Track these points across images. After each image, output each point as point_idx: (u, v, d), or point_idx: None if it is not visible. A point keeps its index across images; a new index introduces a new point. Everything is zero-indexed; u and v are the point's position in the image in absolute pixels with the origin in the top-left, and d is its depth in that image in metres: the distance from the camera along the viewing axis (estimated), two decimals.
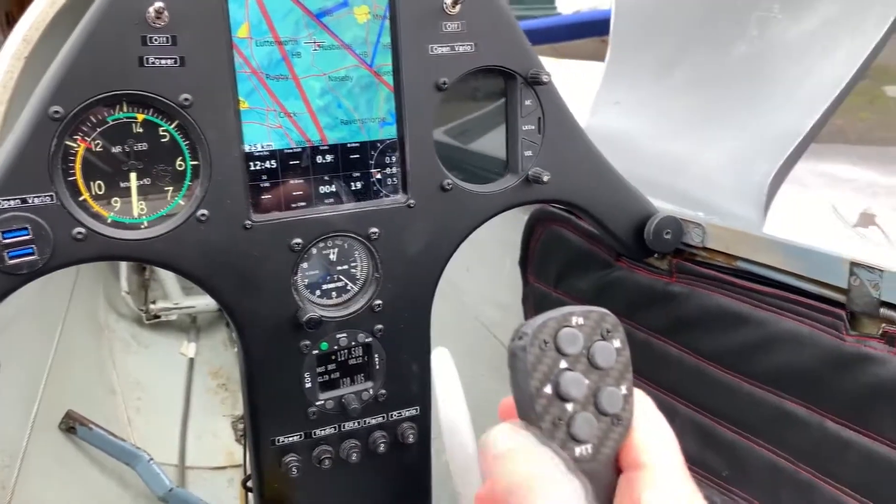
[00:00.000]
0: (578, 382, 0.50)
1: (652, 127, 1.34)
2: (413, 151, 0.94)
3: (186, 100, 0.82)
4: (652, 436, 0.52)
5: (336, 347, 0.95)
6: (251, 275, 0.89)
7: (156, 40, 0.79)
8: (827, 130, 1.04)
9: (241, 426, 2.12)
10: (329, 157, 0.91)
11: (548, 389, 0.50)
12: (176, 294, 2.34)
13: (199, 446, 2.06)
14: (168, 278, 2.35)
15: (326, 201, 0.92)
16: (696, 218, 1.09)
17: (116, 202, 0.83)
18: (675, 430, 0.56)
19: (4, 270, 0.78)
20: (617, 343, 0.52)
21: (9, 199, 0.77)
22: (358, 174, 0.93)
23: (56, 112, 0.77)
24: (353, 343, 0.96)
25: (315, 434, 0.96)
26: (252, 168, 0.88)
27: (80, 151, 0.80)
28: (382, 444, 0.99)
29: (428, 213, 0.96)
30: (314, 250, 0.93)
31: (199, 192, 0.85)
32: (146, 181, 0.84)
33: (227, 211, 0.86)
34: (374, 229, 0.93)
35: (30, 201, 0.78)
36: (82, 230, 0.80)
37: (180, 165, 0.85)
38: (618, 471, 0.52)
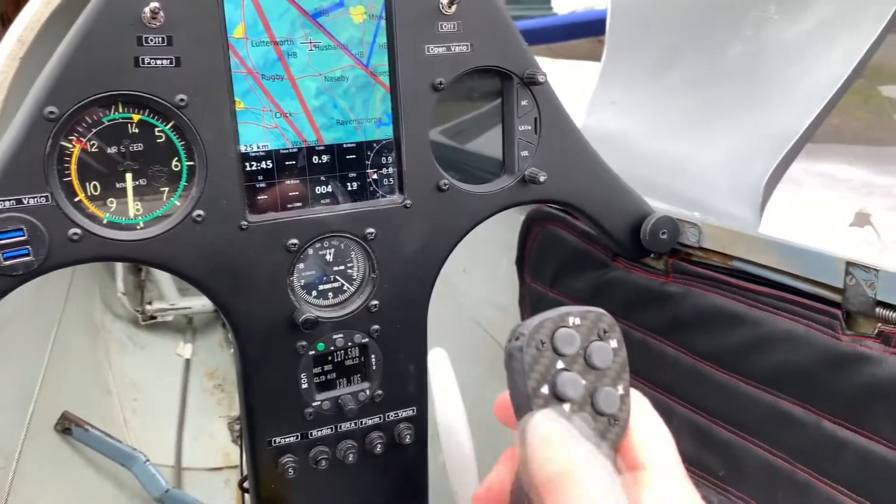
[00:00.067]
0: (575, 383, 0.50)
1: (648, 127, 1.34)
2: (409, 152, 0.94)
3: (182, 100, 0.81)
4: (649, 436, 0.52)
5: (332, 348, 0.95)
6: (247, 275, 0.89)
7: (151, 41, 0.79)
8: (822, 130, 1.04)
9: (237, 427, 2.11)
10: (325, 158, 0.91)
11: (545, 390, 0.50)
12: (172, 295, 2.34)
13: (196, 447, 2.06)
14: (164, 279, 2.34)
15: (323, 202, 0.92)
16: (693, 218, 1.09)
17: (112, 203, 0.83)
18: (671, 430, 0.56)
19: None
20: (614, 343, 0.52)
21: (4, 200, 0.77)
22: (354, 174, 0.93)
23: (51, 112, 0.77)
24: (350, 344, 0.96)
25: (312, 435, 0.96)
26: (248, 168, 0.87)
27: (76, 152, 0.80)
28: (379, 445, 0.99)
29: (424, 213, 0.96)
30: (310, 251, 0.93)
31: (195, 192, 0.85)
32: (142, 182, 0.84)
33: (223, 211, 0.86)
34: (371, 230, 0.93)
35: (25, 202, 0.78)
36: (78, 231, 0.80)
37: (176, 166, 0.85)
38: (616, 471, 0.52)
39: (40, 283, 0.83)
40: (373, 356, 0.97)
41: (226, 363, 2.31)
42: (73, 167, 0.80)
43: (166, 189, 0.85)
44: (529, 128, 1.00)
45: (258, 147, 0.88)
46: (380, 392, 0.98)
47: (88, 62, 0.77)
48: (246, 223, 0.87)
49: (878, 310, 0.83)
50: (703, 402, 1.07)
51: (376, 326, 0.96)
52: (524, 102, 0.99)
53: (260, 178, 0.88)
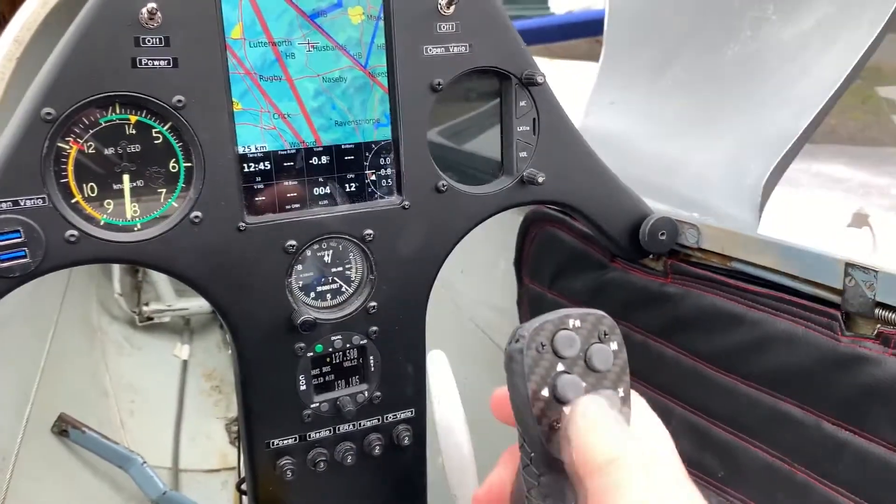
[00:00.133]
0: (576, 385, 0.50)
1: (646, 127, 1.34)
2: (408, 153, 0.94)
3: (180, 101, 0.81)
4: (648, 437, 0.52)
5: (331, 350, 0.95)
6: (245, 277, 0.88)
7: (149, 41, 0.79)
8: (820, 130, 1.04)
9: (234, 428, 2.11)
10: (323, 159, 0.91)
11: (545, 392, 0.50)
12: (169, 296, 2.33)
13: (193, 449, 2.06)
14: (161, 280, 2.34)
15: (321, 203, 0.92)
16: (691, 219, 1.09)
17: (109, 204, 0.83)
18: (670, 431, 0.56)
19: None
20: (614, 346, 0.52)
21: (0, 202, 0.76)
22: (352, 176, 0.93)
23: (48, 113, 0.76)
24: (348, 345, 0.96)
25: (310, 437, 0.96)
26: (246, 170, 0.87)
27: (73, 153, 0.80)
28: (378, 447, 0.99)
29: (423, 214, 0.95)
30: (308, 252, 0.92)
31: (193, 193, 0.85)
32: (139, 183, 0.83)
33: (220, 213, 0.86)
34: (369, 231, 0.93)
35: (22, 203, 0.77)
36: (75, 232, 0.80)
37: (173, 167, 0.84)
38: None
39: (37, 285, 0.83)
40: (371, 358, 0.97)
41: (223, 364, 2.30)
42: (70, 168, 0.80)
43: (164, 190, 0.84)
44: (528, 128, 1.00)
45: (256, 148, 0.87)
46: (378, 394, 0.98)
47: (85, 63, 0.77)
48: (244, 225, 0.87)
49: (878, 311, 0.83)
50: (702, 403, 1.07)
51: (375, 328, 0.96)
52: (523, 103, 0.99)
53: (258, 179, 0.88)
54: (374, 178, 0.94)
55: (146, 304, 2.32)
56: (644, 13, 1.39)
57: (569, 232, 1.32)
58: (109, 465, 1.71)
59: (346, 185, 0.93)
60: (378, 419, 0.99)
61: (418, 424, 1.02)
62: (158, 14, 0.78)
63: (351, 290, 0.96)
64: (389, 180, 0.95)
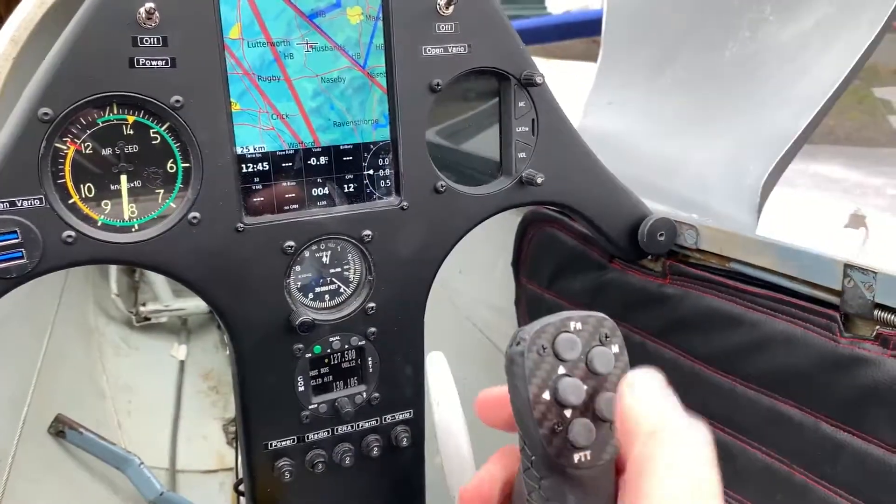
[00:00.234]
0: (577, 388, 0.50)
1: (645, 127, 1.34)
2: (406, 153, 0.93)
3: (178, 101, 0.81)
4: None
5: (329, 351, 0.95)
6: (243, 278, 0.88)
7: (146, 41, 0.79)
8: (817, 130, 1.04)
9: (232, 429, 2.10)
10: (322, 160, 0.91)
11: (546, 395, 0.50)
12: (166, 296, 2.33)
13: (190, 449, 2.05)
14: (158, 280, 2.33)
15: (319, 204, 0.92)
16: (690, 220, 1.09)
17: (107, 205, 0.82)
18: None
19: None
20: (615, 348, 0.52)
21: None
22: (351, 176, 0.93)
23: (45, 114, 0.76)
24: (347, 346, 0.95)
25: (308, 438, 0.96)
26: (244, 170, 0.87)
27: (70, 153, 0.79)
28: (376, 448, 0.99)
29: (421, 215, 0.95)
30: (307, 253, 0.92)
31: (191, 194, 0.84)
32: (137, 183, 0.83)
33: (218, 213, 0.85)
34: (368, 232, 0.93)
35: (18, 204, 0.77)
36: (72, 233, 0.79)
37: (171, 168, 0.84)
38: (617, 477, 0.52)
39: (33, 285, 0.83)
40: (369, 359, 0.97)
41: (220, 364, 2.30)
42: (68, 169, 0.80)
43: (161, 191, 0.84)
44: (527, 129, 1.00)
45: (254, 149, 0.87)
46: (376, 395, 0.98)
47: (83, 63, 0.77)
48: (242, 225, 0.86)
49: (877, 312, 0.83)
50: (701, 404, 1.06)
51: (373, 329, 0.96)
52: (522, 104, 0.99)
53: (256, 179, 0.88)
54: (372, 178, 0.94)
55: (143, 305, 2.31)
56: (642, 11, 1.39)
57: (567, 232, 1.32)
58: (106, 466, 1.71)
59: (345, 186, 0.93)
60: (376, 420, 0.99)
61: (417, 425, 1.02)
62: (156, 14, 0.77)
63: (349, 291, 0.96)
64: (388, 181, 0.94)
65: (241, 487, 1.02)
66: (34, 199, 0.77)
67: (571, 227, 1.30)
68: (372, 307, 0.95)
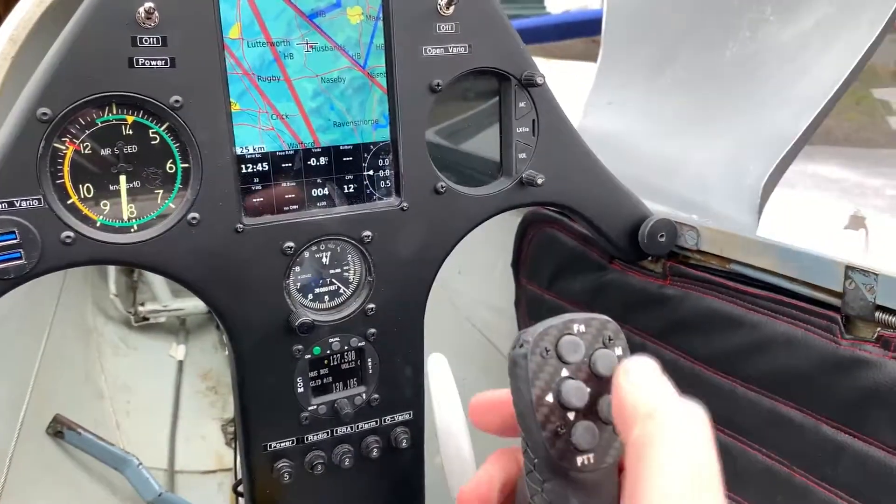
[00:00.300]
0: (580, 391, 0.49)
1: (645, 128, 1.33)
2: (406, 154, 0.93)
3: (177, 101, 0.80)
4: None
5: (329, 352, 0.94)
6: (243, 279, 0.88)
7: (146, 41, 0.78)
8: (816, 131, 1.04)
9: (230, 429, 2.10)
10: (322, 160, 0.90)
11: (549, 398, 0.49)
12: (165, 296, 2.32)
13: (189, 450, 2.05)
14: (156, 280, 2.32)
15: (319, 204, 0.91)
16: (691, 221, 1.08)
17: (106, 205, 0.82)
18: None
19: None
20: (619, 351, 0.51)
21: None
22: (351, 177, 0.92)
23: (44, 114, 0.76)
24: (346, 347, 0.95)
25: (307, 439, 0.95)
26: (244, 171, 0.86)
27: (69, 154, 0.79)
28: (375, 449, 0.98)
29: (421, 216, 0.95)
30: (306, 254, 0.92)
31: (190, 195, 0.84)
32: (136, 184, 0.83)
33: (218, 214, 0.85)
34: (367, 233, 0.93)
35: (17, 204, 0.77)
36: (71, 234, 0.79)
37: (171, 168, 0.84)
38: (621, 480, 0.51)
39: (32, 285, 0.82)
40: (369, 360, 0.97)
41: (219, 365, 2.29)
42: (66, 169, 0.79)
43: (161, 191, 0.84)
44: (527, 130, 0.99)
45: (254, 149, 0.87)
46: (376, 396, 0.98)
47: (82, 62, 0.76)
48: (241, 226, 0.86)
49: (878, 314, 0.83)
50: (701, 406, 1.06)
51: (373, 330, 0.96)
52: (522, 104, 0.98)
53: (256, 180, 0.87)
54: (372, 179, 0.93)
55: (142, 305, 2.30)
56: (642, 11, 1.39)
57: (567, 233, 1.32)
58: (105, 467, 1.70)
59: (345, 187, 0.92)
60: (376, 422, 0.99)
61: (416, 427, 1.01)
62: (156, 13, 0.77)
63: (349, 292, 0.95)
64: (388, 182, 0.94)
65: (240, 488, 1.02)
66: (33, 199, 0.77)
67: (571, 227, 1.30)
68: (372, 308, 0.95)
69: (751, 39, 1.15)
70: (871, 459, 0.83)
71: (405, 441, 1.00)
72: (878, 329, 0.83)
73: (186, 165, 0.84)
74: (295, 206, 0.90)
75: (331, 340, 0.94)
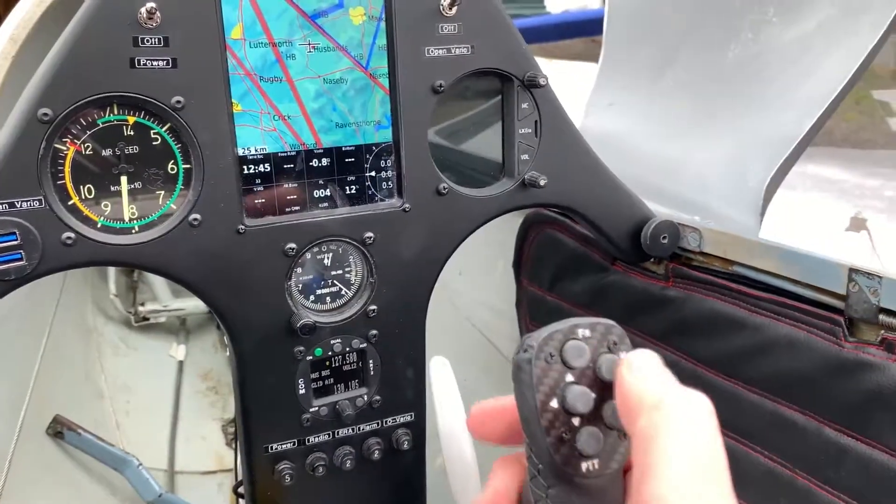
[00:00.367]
0: (585, 396, 0.49)
1: (647, 129, 1.33)
2: (409, 155, 0.93)
3: (179, 102, 0.80)
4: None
5: (330, 353, 0.94)
6: (244, 280, 0.87)
7: (148, 41, 0.78)
8: None
9: (231, 430, 2.09)
10: (324, 161, 0.90)
11: (554, 403, 0.49)
12: (165, 296, 2.32)
13: (189, 450, 2.04)
14: (157, 280, 2.32)
15: (321, 205, 0.91)
16: (693, 222, 1.08)
17: (107, 206, 0.81)
18: None
19: None
20: (624, 356, 0.51)
21: None
22: (353, 178, 0.92)
23: (45, 114, 0.75)
24: (348, 349, 0.95)
25: (309, 441, 0.95)
26: (245, 172, 0.86)
27: (70, 154, 0.79)
28: (377, 451, 0.98)
29: (423, 217, 0.95)
30: (308, 255, 0.91)
31: (192, 196, 0.84)
32: (137, 185, 0.82)
33: (219, 215, 0.85)
34: (369, 234, 0.92)
35: (18, 205, 0.76)
36: (72, 235, 0.79)
37: (172, 169, 0.83)
38: (625, 485, 0.51)
39: (32, 286, 0.82)
40: (371, 361, 0.96)
41: (220, 365, 2.29)
42: (67, 170, 0.79)
43: (162, 192, 0.83)
44: (530, 131, 0.99)
45: (256, 150, 0.86)
46: (378, 398, 0.97)
47: (83, 63, 0.76)
48: (243, 227, 0.86)
49: (882, 317, 0.82)
50: None
51: (374, 331, 0.95)
52: (525, 105, 0.98)
53: (257, 181, 0.87)
54: (374, 180, 0.93)
55: (142, 305, 2.30)
56: (644, 12, 1.39)
57: (569, 234, 1.31)
58: (105, 467, 1.70)
59: (347, 188, 0.92)
60: (377, 423, 0.99)
61: (418, 429, 1.01)
62: (157, 14, 0.77)
63: (351, 294, 0.95)
64: (390, 183, 0.94)
65: (241, 490, 1.02)
66: (33, 200, 0.77)
67: (573, 228, 1.30)
68: (373, 309, 0.94)
69: (753, 41, 1.15)
70: (875, 463, 0.83)
71: (407, 443, 0.99)
72: (882, 332, 0.83)
73: (188, 166, 0.83)
74: (297, 208, 0.90)
75: (332, 342, 0.93)
